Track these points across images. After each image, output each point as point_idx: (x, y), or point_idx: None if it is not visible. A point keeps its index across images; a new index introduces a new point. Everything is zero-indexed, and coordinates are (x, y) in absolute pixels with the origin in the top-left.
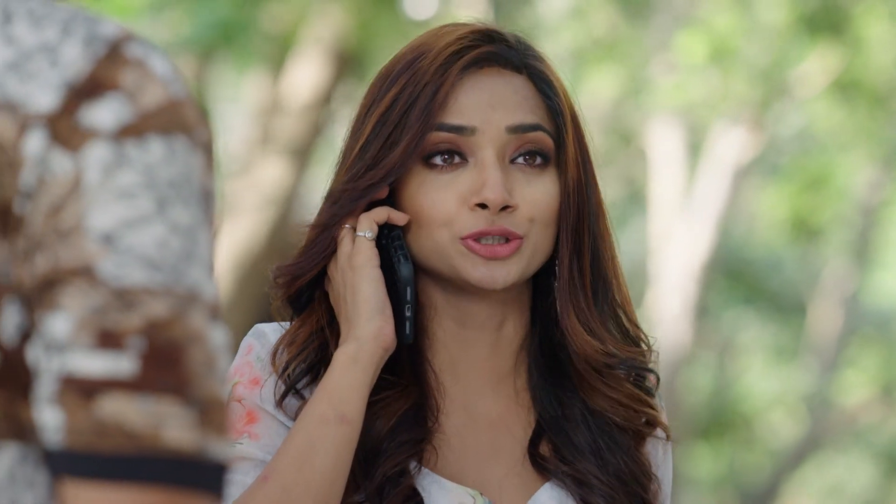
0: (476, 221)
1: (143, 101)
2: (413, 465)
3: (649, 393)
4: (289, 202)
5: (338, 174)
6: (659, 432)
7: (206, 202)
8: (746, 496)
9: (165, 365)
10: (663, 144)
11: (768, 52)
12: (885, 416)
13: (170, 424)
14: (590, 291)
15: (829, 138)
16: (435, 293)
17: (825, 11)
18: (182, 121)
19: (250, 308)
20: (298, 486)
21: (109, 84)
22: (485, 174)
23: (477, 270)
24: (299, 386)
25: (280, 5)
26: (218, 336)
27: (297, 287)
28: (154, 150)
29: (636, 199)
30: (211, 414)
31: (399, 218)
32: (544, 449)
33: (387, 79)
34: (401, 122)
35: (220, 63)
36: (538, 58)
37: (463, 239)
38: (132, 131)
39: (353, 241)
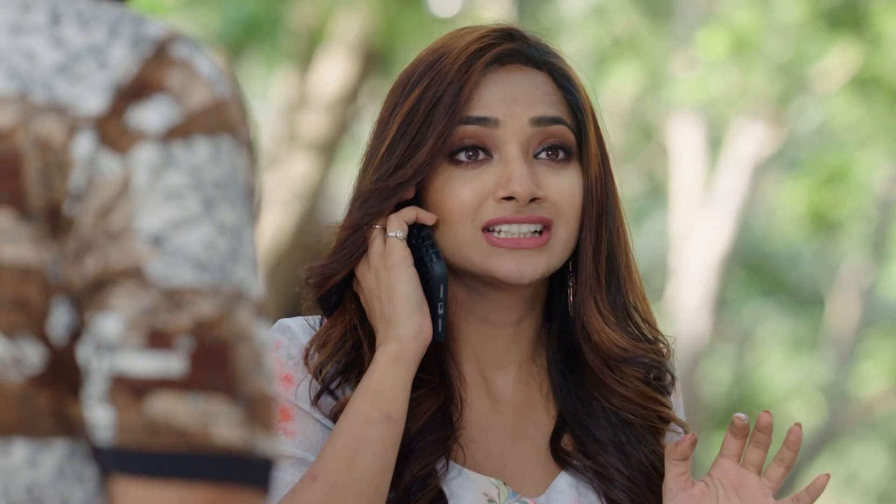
0: (502, 211)
1: (189, 101)
2: (441, 464)
3: (664, 391)
4: (315, 197)
5: (364, 175)
6: (675, 427)
7: (250, 200)
8: None
9: (214, 364)
10: (684, 140)
11: (788, 48)
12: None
13: (219, 422)
14: (604, 287)
15: (847, 134)
16: (459, 290)
17: (845, 7)
18: (227, 121)
19: (277, 301)
20: (347, 487)
21: (156, 85)
22: (511, 168)
23: (505, 265)
24: (333, 386)
25: (306, 3)
26: (263, 333)
27: (329, 287)
28: (200, 150)
29: (657, 193)
30: (258, 411)
31: (427, 218)
32: (566, 443)
33: (409, 80)
34: (427, 121)
35: (248, 60)
36: (557, 56)
37: (484, 231)
38: (179, 132)
39: (384, 241)
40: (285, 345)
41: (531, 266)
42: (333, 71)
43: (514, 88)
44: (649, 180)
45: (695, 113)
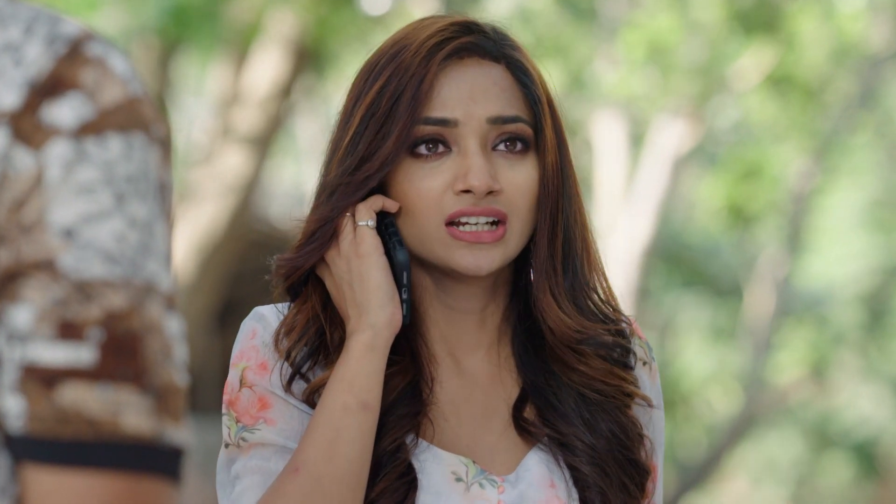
0: (461, 202)
1: (103, 99)
2: (410, 438)
3: (627, 367)
4: (249, 190)
5: (329, 166)
6: (639, 401)
7: (163, 196)
8: (685, 470)
9: (124, 354)
10: (607, 136)
11: (705, 48)
12: (815, 394)
13: (128, 411)
14: (561, 271)
15: (763, 130)
16: (425, 278)
17: (759, 9)
18: (140, 118)
19: (212, 292)
20: (329, 477)
21: (70, 83)
22: (468, 161)
23: (463, 259)
24: (303, 370)
25: (241, 1)
26: (174, 326)
27: (297, 278)
28: (113, 146)
29: (582, 187)
30: (167, 401)
31: (391, 206)
32: (528, 413)
33: (371, 72)
34: (390, 115)
35: (183, 55)
36: (515, 47)
37: (448, 225)
38: (92, 129)
39: (354, 229)
40: (260, 333)
41: (488, 259)
42: (267, 67)
43: (472, 85)
44: None
45: (617, 110)
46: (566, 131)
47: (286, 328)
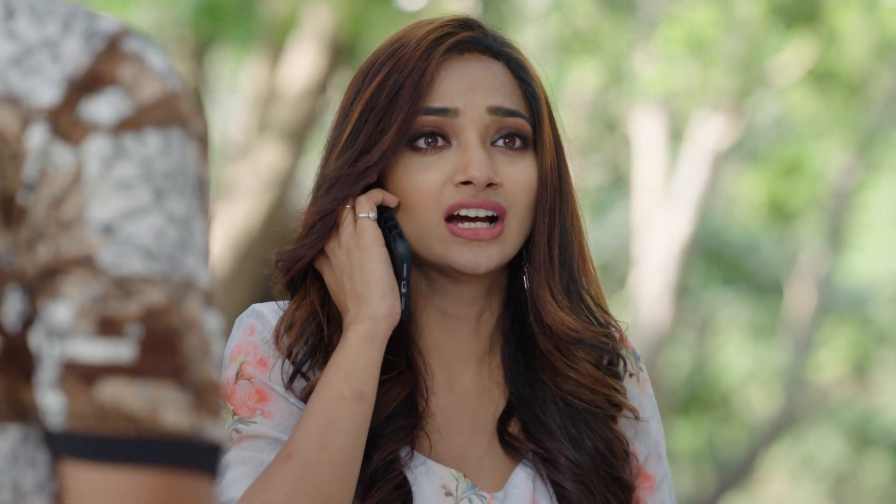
0: (460, 194)
1: (141, 94)
2: (405, 451)
3: (616, 376)
4: (285, 186)
5: (327, 161)
6: (626, 412)
7: (201, 191)
8: (724, 469)
9: (163, 351)
10: (646, 132)
11: (746, 43)
12: (856, 392)
13: (167, 408)
14: (558, 271)
15: (804, 126)
16: (421, 282)
17: (801, 3)
18: (178, 113)
19: (248, 288)
20: (321, 465)
21: (108, 78)
22: (469, 153)
23: (461, 255)
24: (304, 368)
25: None
26: (213, 322)
27: (297, 270)
28: (151, 142)
29: (620, 184)
30: (206, 397)
31: (391, 200)
32: (513, 427)
33: (370, 69)
34: (390, 107)
35: (218, 51)
36: (513, 47)
37: (447, 221)
38: (130, 125)
39: (355, 221)
40: (259, 329)
41: (486, 256)
42: (302, 63)
43: (472, 77)
44: (612, 171)
45: (656, 105)
46: (562, 133)
47: (286, 324)
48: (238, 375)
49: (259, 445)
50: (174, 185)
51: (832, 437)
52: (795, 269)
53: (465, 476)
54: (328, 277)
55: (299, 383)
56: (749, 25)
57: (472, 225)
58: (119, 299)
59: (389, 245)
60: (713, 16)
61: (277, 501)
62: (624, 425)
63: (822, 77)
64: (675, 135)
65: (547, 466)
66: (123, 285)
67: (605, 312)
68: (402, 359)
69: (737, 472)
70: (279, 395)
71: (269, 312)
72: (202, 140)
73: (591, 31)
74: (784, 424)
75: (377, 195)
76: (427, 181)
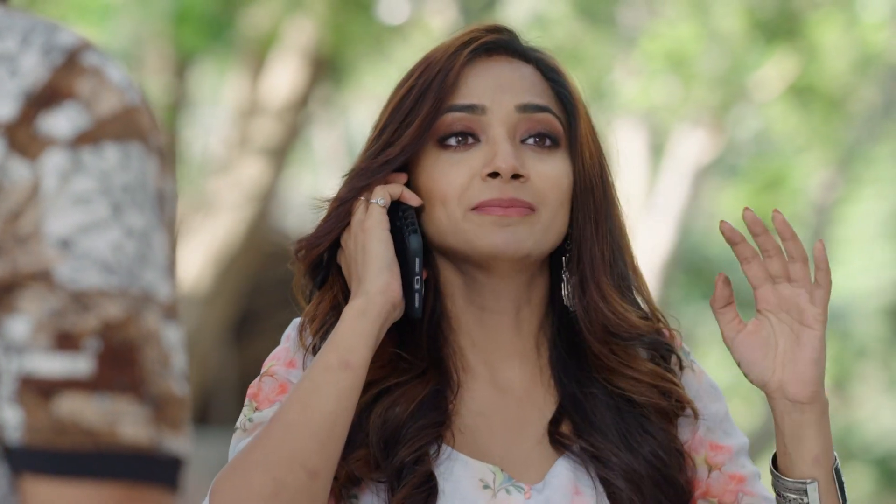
0: (488, 190)
1: (100, 108)
2: (433, 449)
3: (671, 371)
4: (266, 200)
5: (358, 160)
6: (687, 411)
7: (162, 206)
8: None
9: (121, 364)
10: (626, 146)
11: (726, 58)
12: (837, 407)
13: (126, 421)
14: (609, 271)
15: (785, 141)
16: (455, 278)
17: (781, 19)
18: (137, 127)
19: (229, 301)
20: (300, 425)
21: (66, 92)
22: (496, 147)
23: (495, 236)
24: None
25: (258, 9)
26: (173, 335)
27: (315, 256)
28: (109, 156)
29: (621, 208)
30: (166, 410)
31: (412, 198)
32: (565, 427)
33: (404, 77)
34: (415, 106)
35: (200, 65)
36: (544, 52)
37: (473, 209)
38: (88, 138)
39: (367, 210)
40: (293, 336)
41: (517, 237)
42: (284, 77)
43: (500, 77)
44: None
45: (637, 120)
46: (602, 139)
47: (309, 317)
48: (263, 374)
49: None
50: (133, 199)
51: None
52: None
53: (502, 470)
54: (344, 268)
55: None
56: (730, 40)
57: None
58: (76, 313)
59: (404, 240)
60: (694, 31)
61: (256, 459)
62: (681, 423)
63: (802, 92)
64: (656, 149)
65: (597, 464)
66: (81, 299)
67: (656, 311)
68: (422, 360)
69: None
70: None
71: None
72: (162, 154)
73: (572, 45)
74: (765, 439)
75: (396, 189)
76: (455, 175)
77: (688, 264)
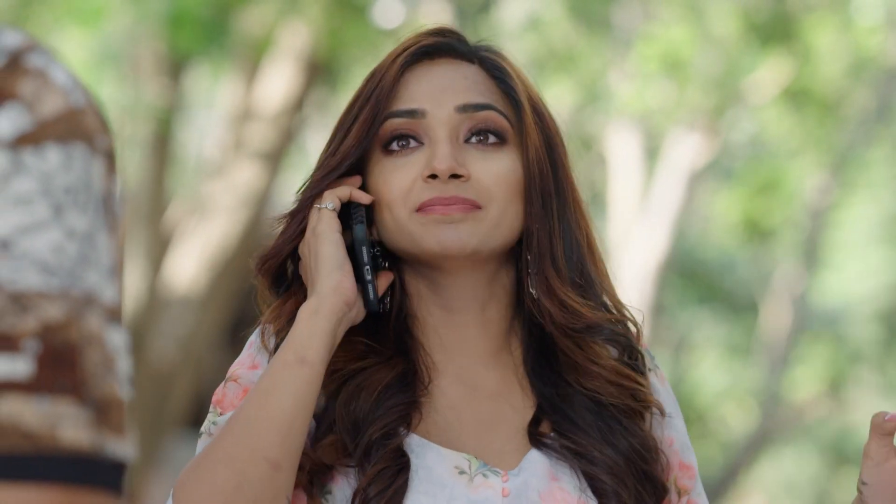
0: (429, 191)
1: (42, 109)
2: (402, 430)
3: (637, 370)
4: (261, 204)
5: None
6: (653, 409)
7: (107, 207)
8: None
9: (61, 366)
10: (621, 150)
11: (721, 61)
12: (832, 411)
13: (66, 424)
14: (563, 263)
15: (780, 144)
16: (418, 281)
17: (776, 22)
18: (81, 129)
19: (224, 305)
20: (260, 421)
21: (8, 93)
22: (434, 149)
23: (439, 234)
24: None
25: (253, 13)
26: (117, 338)
27: (274, 268)
28: (51, 157)
29: (595, 202)
30: (108, 413)
31: (361, 196)
32: (545, 427)
33: (357, 90)
34: (358, 115)
35: (195, 69)
36: (494, 52)
37: (417, 210)
38: (29, 139)
39: (319, 215)
40: (255, 341)
41: (461, 232)
42: (279, 81)
43: (441, 78)
44: (588, 189)
45: (632, 123)
46: (557, 131)
47: (273, 317)
48: (227, 380)
49: None
50: (75, 201)
51: (808, 455)
52: (771, 288)
53: (476, 457)
54: (304, 277)
55: None
56: (724, 44)
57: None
58: (15, 314)
59: (352, 234)
60: (689, 34)
61: (218, 456)
62: (651, 423)
63: (797, 95)
64: (651, 153)
65: (579, 460)
66: (20, 300)
67: (619, 304)
68: (388, 348)
69: (713, 491)
70: None
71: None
72: (109, 155)
73: (567, 49)
74: (760, 442)
75: (344, 190)
76: (397, 179)
77: (682, 268)
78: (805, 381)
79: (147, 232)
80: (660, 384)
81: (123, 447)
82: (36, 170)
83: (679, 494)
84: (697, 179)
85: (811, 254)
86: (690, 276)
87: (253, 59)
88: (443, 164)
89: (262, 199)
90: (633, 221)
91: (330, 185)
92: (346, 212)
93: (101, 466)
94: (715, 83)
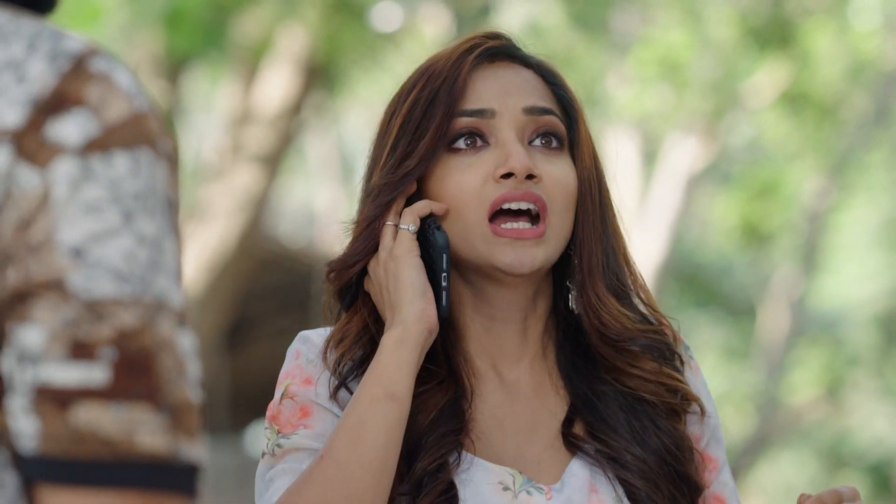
0: (501, 188)
1: (108, 115)
2: (453, 457)
3: (676, 370)
4: (259, 208)
5: (371, 176)
6: (694, 407)
7: (171, 212)
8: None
9: (136, 373)
10: (619, 154)
11: (719, 65)
12: (829, 414)
13: (143, 430)
14: (605, 276)
15: (778, 148)
16: (465, 289)
17: (774, 26)
18: (146, 133)
19: (222, 308)
20: (352, 462)
21: (74, 99)
22: (508, 149)
23: (505, 255)
24: (349, 380)
25: (251, 17)
26: (186, 342)
27: (346, 279)
28: (119, 164)
29: (617, 212)
30: (182, 417)
31: (438, 208)
32: (578, 428)
33: (404, 89)
34: (426, 115)
35: (193, 72)
36: (544, 59)
37: (491, 221)
38: (97, 146)
39: (395, 235)
40: (304, 352)
41: (530, 256)
42: (277, 84)
43: (506, 81)
44: None
45: (630, 127)
46: (597, 144)
47: (336, 339)
48: (283, 396)
49: (300, 457)
50: (143, 206)
51: (806, 458)
52: (769, 292)
53: (520, 472)
54: (374, 295)
55: (346, 396)
56: (722, 48)
57: (516, 224)
58: (91, 322)
59: (429, 242)
60: (686, 38)
61: (311, 500)
62: (689, 420)
63: (795, 99)
64: (649, 157)
65: (613, 465)
66: (95, 308)
67: (657, 312)
68: (442, 368)
69: None
70: (323, 408)
71: (315, 336)
72: (171, 160)
73: (565, 53)
74: (758, 446)
75: (424, 207)
76: (468, 179)
77: (680, 272)
78: (803, 385)
79: None
80: (692, 375)
81: (196, 450)
82: (105, 176)
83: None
84: (695, 183)
85: (809, 258)
86: (688, 279)
87: (251, 63)
88: (520, 163)
89: (260, 203)
90: (632, 225)
91: (402, 193)
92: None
93: (177, 471)
94: (713, 87)
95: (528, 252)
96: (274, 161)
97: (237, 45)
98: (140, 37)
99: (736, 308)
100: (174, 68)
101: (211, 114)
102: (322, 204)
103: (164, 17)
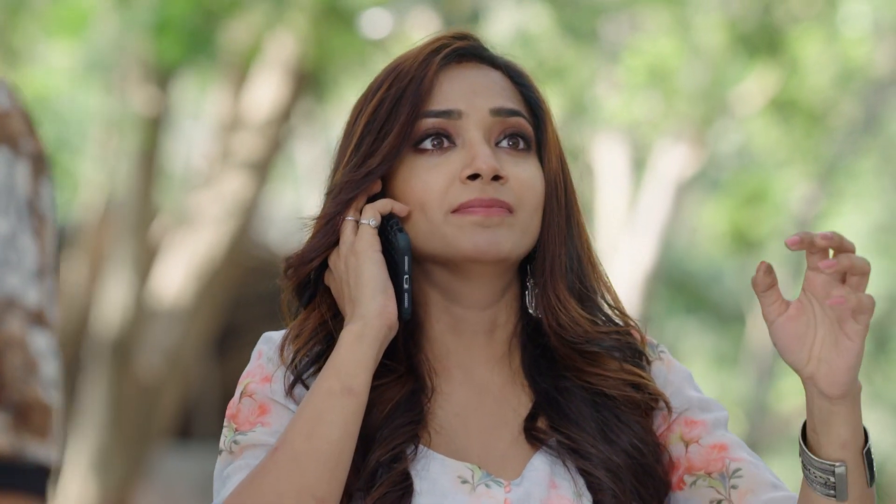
0: (468, 192)
1: None
2: (410, 449)
3: (641, 367)
4: (248, 214)
5: (334, 174)
6: (661, 404)
7: (31, 211)
8: None
9: None
10: (609, 161)
11: (708, 72)
12: None
13: None
14: (567, 278)
15: (767, 155)
16: (430, 288)
17: (762, 33)
18: (5, 133)
19: (211, 315)
20: (307, 454)
21: None
22: (474, 150)
23: (472, 239)
24: (305, 376)
25: (240, 23)
26: (41, 341)
27: (304, 275)
28: None
29: (583, 212)
30: (30, 417)
31: (400, 209)
32: (541, 423)
33: (371, 88)
34: (391, 115)
35: (183, 79)
36: (512, 60)
37: (454, 212)
38: None
39: (355, 230)
40: (265, 351)
41: (497, 239)
42: (266, 91)
43: (473, 82)
44: None
45: (619, 134)
46: (563, 145)
47: (293, 334)
48: (242, 394)
49: (257, 453)
50: None
51: (795, 465)
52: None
53: (480, 467)
54: (334, 290)
55: (302, 392)
56: (711, 55)
57: (483, 213)
58: None
59: (392, 246)
60: (675, 45)
61: (264, 491)
62: (655, 415)
63: (784, 106)
64: (638, 164)
65: (574, 456)
66: None
67: (623, 314)
68: (401, 364)
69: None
70: (280, 405)
71: (278, 336)
72: (35, 159)
73: (555, 60)
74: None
75: (385, 204)
76: (434, 179)
77: (670, 278)
78: (792, 392)
79: (134, 243)
80: (664, 368)
81: (47, 451)
82: None
83: (686, 445)
84: (684, 190)
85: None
86: (678, 286)
87: (240, 69)
88: (486, 164)
89: (249, 210)
90: (621, 232)
91: (363, 192)
92: (381, 223)
93: (22, 470)
94: (702, 94)
95: (496, 233)
96: (263, 168)
97: (226, 52)
98: (129, 44)
99: (725, 315)
100: (163, 75)
101: (200, 120)
102: (312, 211)
103: (153, 24)
